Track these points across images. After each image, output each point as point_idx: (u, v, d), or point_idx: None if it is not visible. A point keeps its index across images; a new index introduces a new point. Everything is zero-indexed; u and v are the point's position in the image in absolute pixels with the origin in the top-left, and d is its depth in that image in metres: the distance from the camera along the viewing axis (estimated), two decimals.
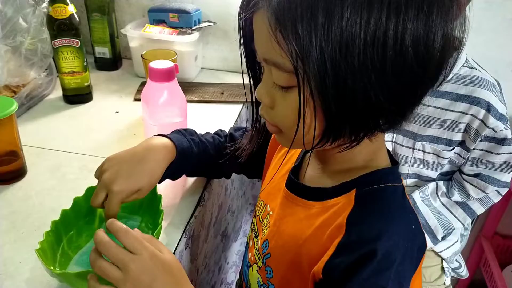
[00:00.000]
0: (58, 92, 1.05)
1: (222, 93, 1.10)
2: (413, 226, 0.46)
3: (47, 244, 0.54)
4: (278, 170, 0.58)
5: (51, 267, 0.50)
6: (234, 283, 1.31)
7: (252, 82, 0.51)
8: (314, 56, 0.36)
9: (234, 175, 1.04)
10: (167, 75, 0.70)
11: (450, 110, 0.77)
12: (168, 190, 0.75)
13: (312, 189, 0.51)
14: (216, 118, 1.02)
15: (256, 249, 0.58)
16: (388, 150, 0.51)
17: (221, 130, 0.77)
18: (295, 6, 0.36)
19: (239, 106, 1.07)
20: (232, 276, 1.30)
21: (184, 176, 0.77)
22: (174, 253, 0.64)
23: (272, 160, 0.66)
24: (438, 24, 0.37)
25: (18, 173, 0.76)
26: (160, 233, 0.57)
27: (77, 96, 1.01)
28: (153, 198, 0.63)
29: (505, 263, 1.37)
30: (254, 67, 0.50)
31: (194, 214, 0.71)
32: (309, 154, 0.55)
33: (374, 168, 0.48)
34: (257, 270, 0.58)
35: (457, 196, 0.83)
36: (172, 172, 0.65)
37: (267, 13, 0.38)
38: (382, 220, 0.45)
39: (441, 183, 0.85)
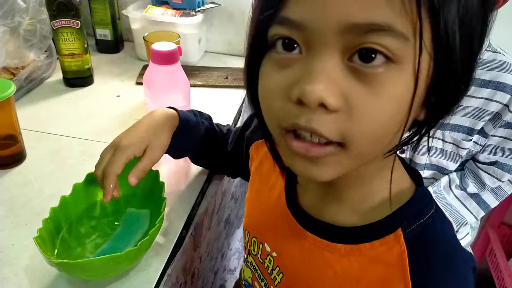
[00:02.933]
0: (58, 75, 1.02)
1: (227, 78, 1.07)
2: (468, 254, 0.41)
3: (46, 232, 0.53)
4: (263, 200, 0.51)
5: (50, 257, 0.48)
6: (236, 269, 1.30)
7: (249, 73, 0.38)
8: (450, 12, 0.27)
9: None
10: (170, 58, 0.68)
11: (473, 97, 0.74)
12: (171, 177, 0.73)
13: (340, 229, 0.41)
14: (220, 103, 0.99)
15: None
16: (399, 156, 0.43)
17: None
18: None
19: (244, 91, 1.04)
20: (235, 262, 1.29)
21: (187, 163, 0.75)
22: (176, 241, 0.62)
23: (251, 182, 0.59)
24: None
25: (17, 158, 0.74)
26: (163, 221, 0.56)
27: (78, 79, 0.99)
28: (156, 185, 0.61)
29: (511, 253, 1.36)
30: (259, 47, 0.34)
31: (197, 202, 0.70)
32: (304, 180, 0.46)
33: (399, 188, 0.40)
34: None
35: (472, 187, 0.80)
36: (174, 145, 0.62)
37: None
38: (448, 260, 0.39)
39: (454, 175, 0.82)
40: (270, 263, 0.49)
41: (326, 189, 0.43)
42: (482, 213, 0.83)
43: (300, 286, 0.46)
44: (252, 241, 0.53)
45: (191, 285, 0.76)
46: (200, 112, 0.68)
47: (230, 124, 0.75)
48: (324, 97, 0.29)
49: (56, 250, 0.54)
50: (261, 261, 0.51)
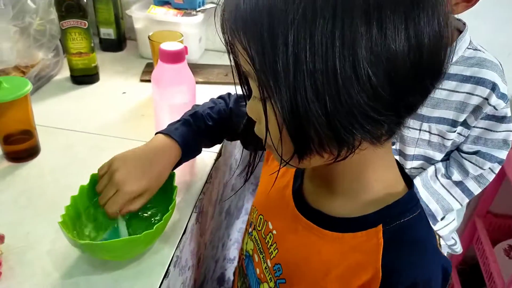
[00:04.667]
0: (64, 73, 1.07)
1: (226, 75, 1.12)
2: (439, 251, 0.46)
3: (68, 217, 0.57)
4: (274, 181, 0.56)
5: (76, 238, 0.53)
6: (235, 258, 1.35)
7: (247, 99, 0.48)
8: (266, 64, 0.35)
9: (237, 154, 1.07)
10: (177, 57, 0.73)
11: (456, 92, 0.79)
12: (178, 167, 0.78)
13: (330, 218, 0.48)
14: None
15: (266, 268, 0.57)
16: (396, 161, 0.49)
17: (228, 96, 0.75)
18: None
19: None
20: (234, 252, 1.34)
21: None
22: (186, 227, 0.67)
23: (264, 164, 0.65)
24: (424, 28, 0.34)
25: (32, 152, 0.79)
26: (174, 208, 0.61)
27: (85, 77, 1.03)
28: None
29: (496, 240, 1.43)
30: (247, 82, 0.47)
31: (203, 191, 0.75)
32: (307, 170, 0.53)
33: (390, 189, 0.46)
34: None
35: (456, 175, 0.86)
36: (181, 163, 0.67)
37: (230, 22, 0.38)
38: (417, 256, 0.44)
39: (439, 164, 0.88)
40: (270, 239, 0.56)
41: (322, 181, 0.49)
42: (467, 200, 0.89)
43: (289, 261, 0.53)
44: (259, 218, 0.59)
45: (197, 269, 0.81)
46: (193, 114, 0.68)
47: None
48: (248, 112, 0.45)
49: (77, 233, 0.59)
50: (263, 237, 0.58)
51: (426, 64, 0.35)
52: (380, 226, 0.44)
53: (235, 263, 1.36)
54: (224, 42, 0.42)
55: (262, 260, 0.58)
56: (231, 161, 1.00)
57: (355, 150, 0.38)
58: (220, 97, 0.75)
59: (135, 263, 0.60)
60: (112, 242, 0.53)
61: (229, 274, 1.31)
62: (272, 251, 0.55)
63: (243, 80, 0.46)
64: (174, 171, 0.65)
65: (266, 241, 0.57)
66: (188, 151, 0.66)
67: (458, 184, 0.88)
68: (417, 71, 0.35)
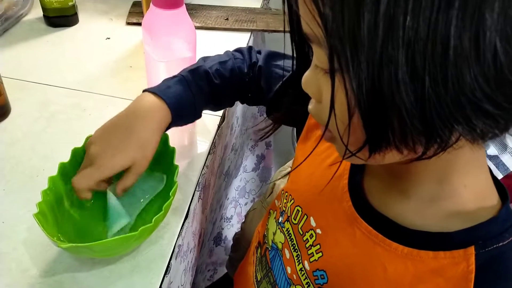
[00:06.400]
0: (37, 12, 0.91)
1: (227, 19, 0.97)
2: None
3: (46, 205, 0.47)
4: (314, 166, 0.47)
5: (55, 238, 0.43)
6: (233, 217, 1.29)
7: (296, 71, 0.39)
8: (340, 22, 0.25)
9: (238, 111, 0.96)
10: (175, 0, 0.58)
11: None
12: (176, 134, 0.66)
13: (401, 228, 0.38)
14: (220, 48, 0.90)
15: (302, 270, 0.47)
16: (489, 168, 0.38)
17: (249, 50, 0.61)
18: None
19: (247, 34, 0.94)
20: (231, 211, 1.27)
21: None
22: (188, 208, 0.57)
23: (300, 142, 0.53)
24: None
25: (1, 112, 0.66)
26: (176, 191, 0.50)
27: (61, 18, 0.88)
28: (165, 150, 0.55)
29: None
30: (303, 45, 0.37)
31: (206, 164, 0.64)
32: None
33: (482, 200, 0.36)
34: None
35: (492, 149, 0.77)
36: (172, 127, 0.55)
37: None
38: None
39: None
40: (311, 238, 0.46)
41: (393, 179, 0.39)
42: (500, 176, 0.81)
43: (340, 272, 0.42)
44: (296, 209, 0.49)
45: (198, 245, 0.73)
46: (194, 70, 0.56)
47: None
48: (305, 87, 0.34)
49: (59, 225, 0.48)
50: (301, 233, 0.47)
51: None
52: (473, 249, 0.34)
53: (233, 221, 1.29)
54: None
55: (295, 259, 0.48)
56: (232, 120, 0.88)
57: (447, 149, 0.28)
58: (238, 50, 0.61)
59: (130, 256, 0.51)
60: (103, 243, 0.43)
61: (226, 233, 1.25)
62: (313, 252, 0.45)
63: (297, 43, 0.36)
64: (174, 146, 0.54)
65: (305, 239, 0.47)
66: (181, 116, 0.54)
67: (492, 158, 0.79)
68: None
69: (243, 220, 1.00)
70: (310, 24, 0.29)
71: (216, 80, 0.57)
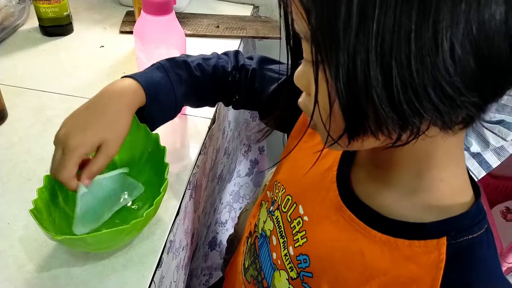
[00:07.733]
0: (32, 22, 0.93)
1: (218, 26, 1.00)
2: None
3: (41, 202, 0.49)
4: (312, 162, 0.47)
5: (50, 232, 0.45)
6: (227, 222, 1.31)
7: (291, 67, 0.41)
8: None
9: (230, 116, 0.98)
10: (164, 7, 0.61)
11: None
12: (167, 133, 0.69)
13: (381, 217, 0.40)
14: None
15: (286, 255, 0.49)
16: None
17: (235, 54, 0.62)
18: None
19: (237, 41, 0.98)
20: (226, 215, 1.29)
21: (183, 121, 0.71)
22: (179, 206, 0.59)
23: (291, 137, 0.56)
24: None
25: None
26: (167, 188, 0.52)
27: (56, 27, 0.90)
28: (156, 150, 0.57)
29: (494, 202, 1.41)
30: (296, 44, 0.39)
31: (196, 164, 0.66)
32: (360, 155, 0.44)
33: (457, 195, 0.38)
34: (287, 279, 0.49)
35: (475, 146, 0.79)
36: (152, 118, 0.56)
37: None
38: (484, 281, 0.37)
39: None
40: (298, 225, 0.48)
41: (377, 170, 0.41)
42: (484, 173, 0.83)
43: (321, 256, 0.45)
44: (286, 198, 0.51)
45: (191, 245, 0.75)
46: (174, 60, 0.57)
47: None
48: (296, 80, 0.37)
49: (55, 222, 0.50)
50: (289, 220, 0.50)
51: None
52: (445, 240, 0.36)
53: (227, 226, 1.31)
54: None
55: (281, 245, 0.50)
56: (224, 124, 0.91)
57: (419, 136, 0.31)
58: (225, 52, 0.63)
59: (123, 251, 0.53)
60: (96, 235, 0.45)
61: (221, 237, 1.26)
62: (298, 238, 0.47)
63: (291, 42, 0.39)
64: (165, 146, 0.56)
65: (292, 225, 0.49)
66: (157, 99, 0.54)
67: (476, 156, 0.81)
68: None
69: (237, 222, 1.02)
70: (298, 21, 0.32)
71: (197, 72, 0.57)
